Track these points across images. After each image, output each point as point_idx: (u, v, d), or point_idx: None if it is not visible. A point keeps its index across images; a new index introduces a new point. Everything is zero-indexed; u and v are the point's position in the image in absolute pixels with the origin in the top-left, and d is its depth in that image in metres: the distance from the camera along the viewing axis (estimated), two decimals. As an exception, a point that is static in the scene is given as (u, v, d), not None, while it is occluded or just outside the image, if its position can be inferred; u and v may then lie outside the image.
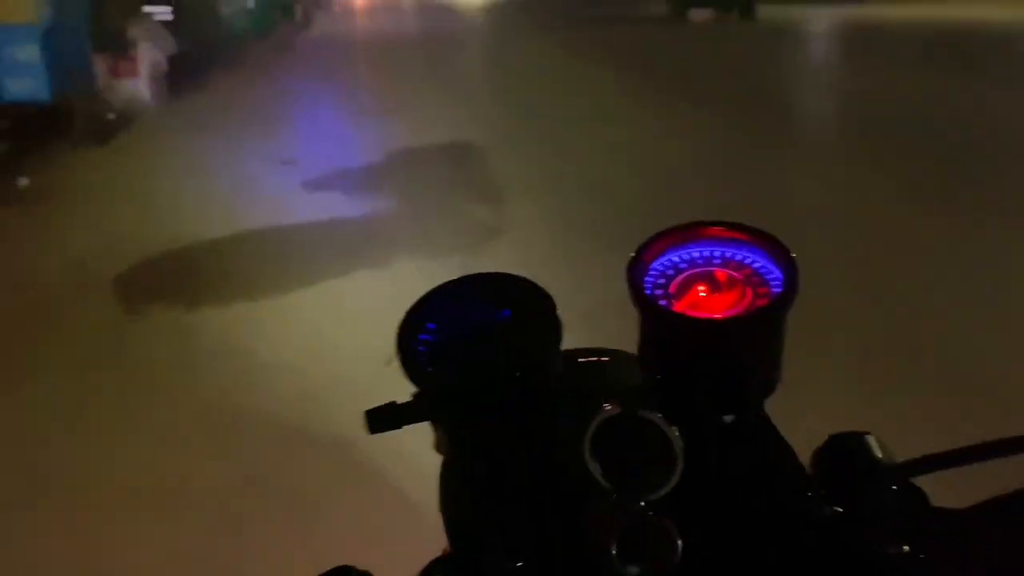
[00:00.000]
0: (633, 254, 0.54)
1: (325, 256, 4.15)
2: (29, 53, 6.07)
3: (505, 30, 19.02)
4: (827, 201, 4.82)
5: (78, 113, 6.69)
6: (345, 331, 3.29)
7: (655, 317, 0.51)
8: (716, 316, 0.50)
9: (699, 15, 17.71)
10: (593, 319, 3.03)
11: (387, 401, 0.50)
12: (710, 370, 0.49)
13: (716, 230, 0.54)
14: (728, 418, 0.49)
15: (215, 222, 4.77)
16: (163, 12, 12.63)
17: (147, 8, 11.65)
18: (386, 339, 2.12)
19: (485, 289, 0.56)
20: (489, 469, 0.52)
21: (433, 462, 0.53)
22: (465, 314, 0.55)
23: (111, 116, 7.72)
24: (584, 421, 0.48)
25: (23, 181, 5.77)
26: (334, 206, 5.00)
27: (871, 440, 0.48)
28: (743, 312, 0.49)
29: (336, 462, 2.35)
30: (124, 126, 7.71)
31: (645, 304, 0.51)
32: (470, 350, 0.53)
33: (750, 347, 0.50)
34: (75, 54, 6.96)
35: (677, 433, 0.45)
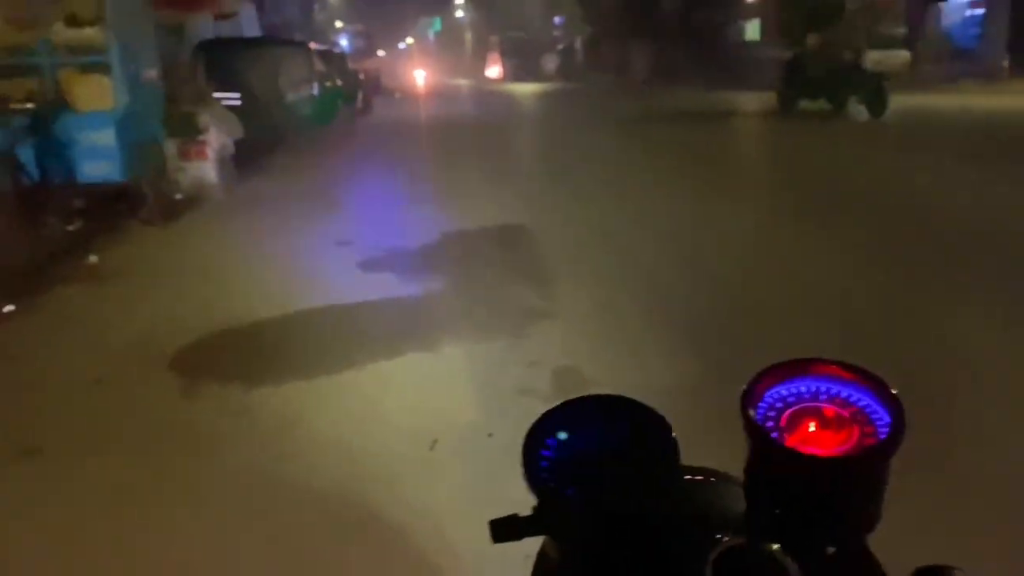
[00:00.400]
0: (746, 386, 0.56)
1: (377, 336, 4.22)
2: (105, 138, 6.45)
3: (573, 120, 19.53)
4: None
5: (148, 194, 7.02)
6: (395, 412, 3.32)
7: (767, 449, 0.53)
8: (827, 454, 0.52)
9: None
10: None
11: (506, 516, 0.54)
12: (818, 504, 0.51)
13: (827, 367, 0.57)
14: (831, 550, 0.52)
15: (274, 300, 4.90)
16: (232, 98, 13.33)
17: (217, 95, 12.30)
18: (432, 420, 2.19)
19: (605, 410, 0.60)
20: None
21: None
22: (586, 433, 0.58)
23: (179, 197, 8.10)
24: (696, 545, 0.52)
25: (93, 258, 6.04)
26: (386, 287, 5.10)
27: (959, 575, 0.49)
28: (851, 452, 0.51)
29: (381, 544, 2.34)
30: (191, 206, 8.06)
31: (759, 436, 0.53)
32: (591, 469, 0.55)
33: (857, 485, 0.52)
34: (148, 138, 7.36)
35: (796, 567, 0.49)
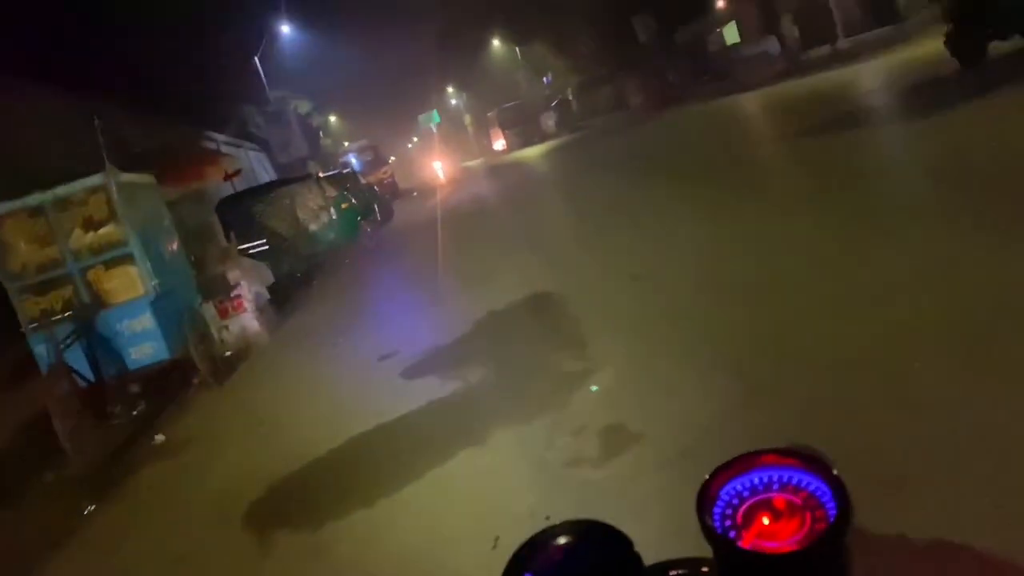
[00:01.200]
0: (699, 490, 0.60)
1: (430, 442, 4.27)
2: (144, 323, 6.78)
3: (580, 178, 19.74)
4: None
5: (197, 361, 7.30)
6: (456, 518, 3.36)
7: (728, 554, 0.56)
8: (782, 549, 0.54)
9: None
10: (691, 457, 2.99)
11: None
12: None
13: (770, 458, 0.60)
14: None
15: (329, 432, 5.01)
16: (258, 245, 13.86)
17: (242, 246, 12.81)
18: (492, 515, 2.23)
19: (571, 537, 0.64)
20: None
21: None
22: (560, 559, 0.62)
23: (227, 354, 8.40)
24: None
25: (159, 438, 6.28)
26: (431, 390, 5.18)
27: None
28: (804, 541, 0.54)
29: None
30: (240, 360, 8.35)
31: (718, 544, 0.56)
32: None
33: (818, 572, 0.54)
34: (185, 309, 7.70)
35: None
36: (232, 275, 9.28)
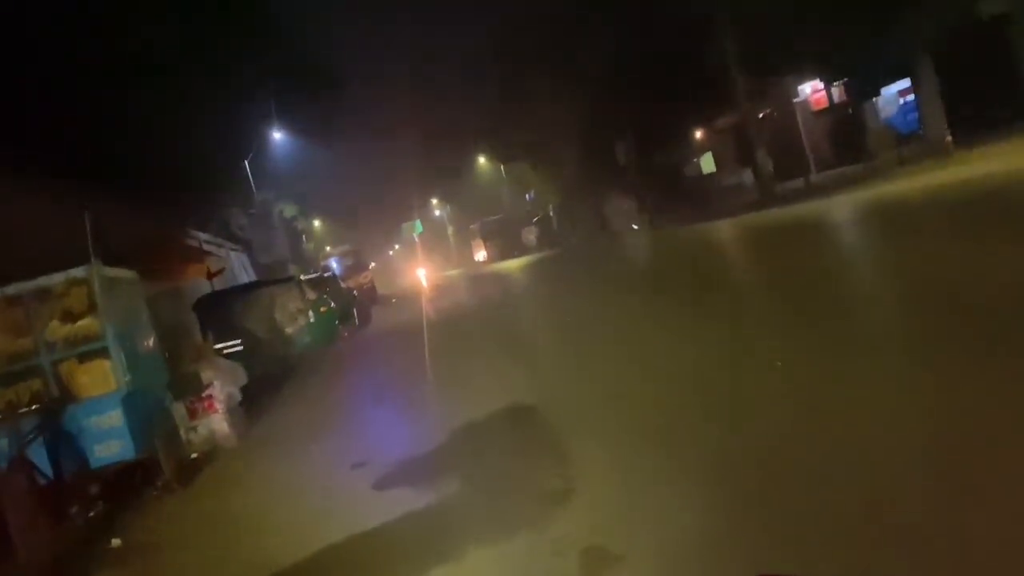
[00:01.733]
0: None
1: (401, 560, 4.14)
2: (113, 419, 6.63)
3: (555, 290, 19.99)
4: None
5: (163, 462, 7.08)
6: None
7: None
8: None
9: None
10: None
11: None
12: None
13: None
14: None
15: (297, 544, 4.83)
16: (233, 345, 13.74)
17: (218, 345, 12.69)
18: None
19: None
20: None
21: None
22: None
23: (194, 456, 8.16)
24: None
25: (116, 542, 6.01)
26: (404, 502, 5.05)
27: None
28: None
29: None
30: (207, 463, 8.11)
31: None
32: None
33: None
34: (155, 407, 7.54)
35: None
36: (206, 375, 9.14)
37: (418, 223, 76.50)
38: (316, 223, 61.43)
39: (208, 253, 17.16)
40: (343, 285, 27.71)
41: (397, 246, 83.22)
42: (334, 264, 34.02)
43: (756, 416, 4.83)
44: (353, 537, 4.72)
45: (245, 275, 28.12)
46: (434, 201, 72.20)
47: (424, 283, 32.78)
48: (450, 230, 67.53)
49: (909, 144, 21.87)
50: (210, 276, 14.58)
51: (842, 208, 16.31)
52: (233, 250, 28.15)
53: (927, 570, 2.62)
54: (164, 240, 17.81)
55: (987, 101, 19.89)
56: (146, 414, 7.13)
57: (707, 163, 34.94)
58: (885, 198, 15.25)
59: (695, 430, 4.92)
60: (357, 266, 34.21)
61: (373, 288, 32.49)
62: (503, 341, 11.45)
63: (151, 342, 8.20)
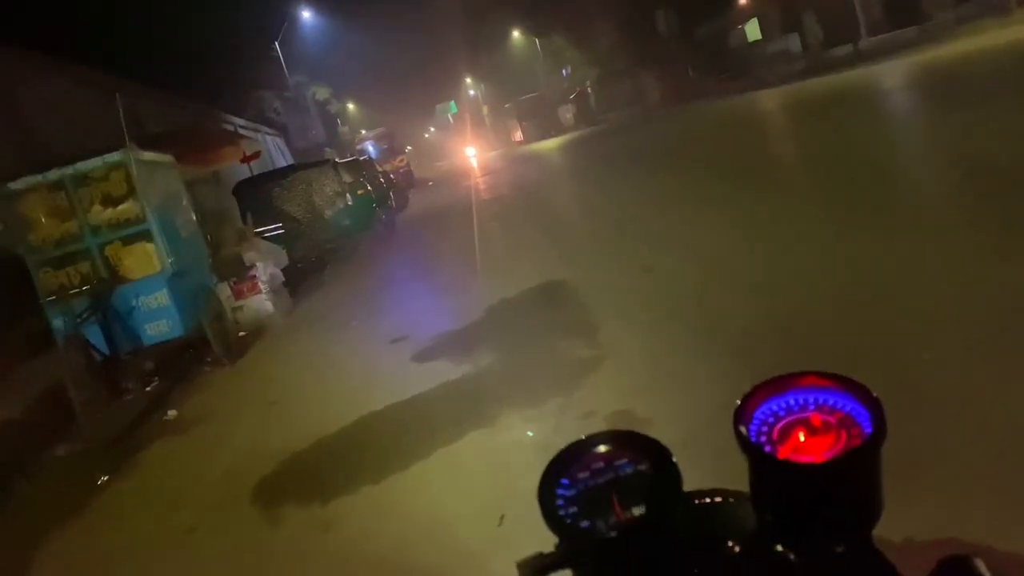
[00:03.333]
0: (737, 404, 0.61)
1: (439, 423, 4.31)
2: (160, 299, 6.85)
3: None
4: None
5: (211, 339, 7.36)
6: (463, 495, 3.40)
7: (763, 464, 0.57)
8: (816, 460, 0.55)
9: None
10: (698, 444, 3.01)
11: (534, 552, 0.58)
12: (817, 508, 0.55)
13: (809, 379, 0.61)
14: (840, 548, 0.55)
15: (341, 412, 5.05)
16: (274, 229, 13.93)
17: (259, 229, 12.88)
18: (499, 495, 2.28)
19: (610, 445, 0.65)
20: None
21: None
22: (596, 469, 0.63)
23: (241, 334, 8.46)
24: (709, 558, 0.58)
25: (172, 413, 6.35)
26: (441, 372, 5.22)
27: (980, 564, 0.52)
28: (839, 454, 0.55)
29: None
30: (254, 340, 8.42)
31: (753, 452, 0.57)
32: (604, 502, 0.60)
33: (851, 484, 0.55)
34: (200, 288, 7.76)
35: (803, 566, 0.54)
36: (248, 256, 9.34)
37: (452, 104, 75.08)
38: (350, 106, 60.78)
39: (243, 137, 17.11)
40: (379, 169, 27.69)
41: (432, 129, 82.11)
42: (370, 148, 33.81)
43: (782, 289, 4.82)
44: (393, 405, 4.92)
45: (283, 159, 28.16)
46: (468, 80, 70.56)
47: (474, 163, 32.22)
48: (485, 110, 66.23)
49: (968, 2, 20.52)
50: (245, 160, 14.59)
51: (887, 76, 15.56)
52: (269, 134, 28.11)
53: (948, 437, 2.65)
54: (199, 125, 17.84)
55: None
56: (191, 294, 7.35)
57: (752, 30, 33.30)
58: (936, 63, 14.47)
59: (722, 303, 4.93)
60: (393, 150, 33.99)
61: (410, 172, 32.37)
62: (538, 222, 11.44)
63: (193, 225, 8.36)
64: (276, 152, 28.42)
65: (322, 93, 32.55)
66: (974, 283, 3.89)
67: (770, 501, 0.58)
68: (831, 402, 0.59)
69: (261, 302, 9.06)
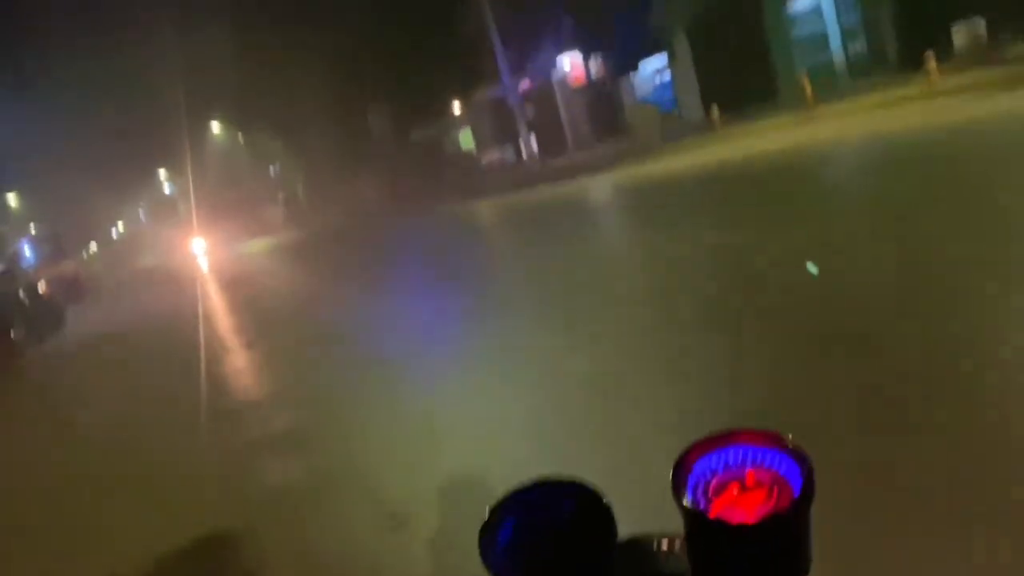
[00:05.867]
0: (676, 461, 0.62)
1: None
2: None
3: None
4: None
5: None
6: None
7: (695, 521, 0.59)
8: (747, 521, 0.56)
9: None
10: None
11: None
12: (746, 564, 0.58)
13: (747, 436, 0.62)
14: None
15: None
16: None
17: None
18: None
19: (549, 493, 0.66)
20: None
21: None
22: (534, 516, 0.65)
23: None
24: None
25: None
26: None
27: None
28: (768, 515, 0.56)
29: None
30: None
31: (687, 510, 0.59)
32: (540, 549, 0.63)
33: (779, 545, 0.58)
34: None
35: None
36: None
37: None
38: (11, 196, 51.80)
39: None
40: (34, 277, 22.29)
41: (120, 221, 73.45)
42: (25, 250, 27.85)
43: None
44: None
45: None
46: (162, 173, 64.26)
47: (203, 267, 27.14)
48: (181, 208, 60.33)
49: (671, 121, 21.57)
50: None
51: (608, 188, 15.16)
52: None
53: None
54: None
55: (742, 77, 19.93)
56: None
57: (466, 139, 33.33)
58: (656, 177, 14.24)
59: None
60: (58, 252, 28.22)
61: (77, 280, 26.83)
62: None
63: None
64: None
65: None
66: None
67: (703, 558, 0.60)
68: (767, 460, 0.60)
69: None
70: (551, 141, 26.68)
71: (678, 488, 0.59)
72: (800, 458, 0.58)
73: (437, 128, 33.48)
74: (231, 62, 35.41)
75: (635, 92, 24.15)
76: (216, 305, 14.90)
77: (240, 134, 47.85)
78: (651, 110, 21.32)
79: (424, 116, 32.92)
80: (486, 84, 28.80)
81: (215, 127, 49.38)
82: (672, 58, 22.18)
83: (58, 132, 51.44)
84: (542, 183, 20.88)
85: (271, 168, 48.91)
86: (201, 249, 36.70)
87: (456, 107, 32.04)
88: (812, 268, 5.17)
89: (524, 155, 24.72)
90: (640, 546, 0.68)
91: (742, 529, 0.55)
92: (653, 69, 24.13)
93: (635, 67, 23.93)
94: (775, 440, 0.60)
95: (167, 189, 64.28)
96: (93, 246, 60.67)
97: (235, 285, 18.19)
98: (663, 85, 23.70)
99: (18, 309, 14.74)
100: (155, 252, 51.31)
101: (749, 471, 0.59)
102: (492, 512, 0.64)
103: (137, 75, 42.71)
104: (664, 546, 0.67)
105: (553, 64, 26.91)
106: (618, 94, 24.46)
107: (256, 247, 30.43)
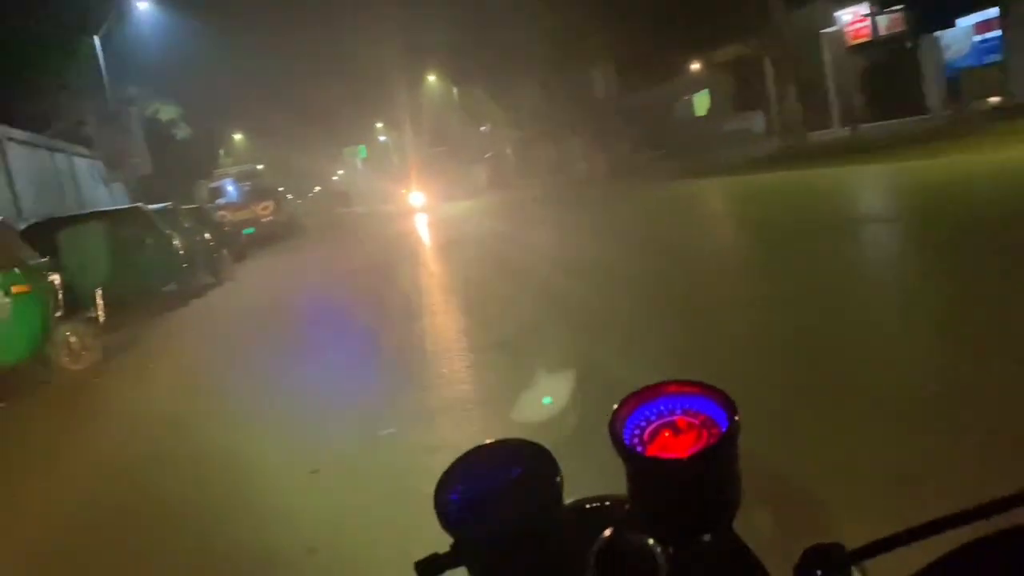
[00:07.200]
0: (611, 414, 0.65)
1: None
2: None
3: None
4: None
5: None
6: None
7: (634, 462, 0.62)
8: (680, 456, 0.60)
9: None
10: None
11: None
12: (683, 499, 0.61)
13: (674, 387, 0.66)
14: (705, 538, 0.61)
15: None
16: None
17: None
18: None
19: (501, 453, 0.69)
20: None
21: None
22: (487, 474, 0.67)
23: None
24: (584, 550, 0.64)
25: None
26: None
27: (843, 552, 0.56)
28: (700, 449, 0.60)
29: None
30: None
31: (625, 452, 0.62)
32: (493, 506, 0.65)
33: (710, 478, 0.60)
34: None
35: (660, 550, 0.60)
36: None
37: (362, 148, 69.24)
38: (237, 136, 53.55)
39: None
40: (223, 217, 21.09)
41: (341, 172, 75.51)
42: (229, 188, 27.10)
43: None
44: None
45: (103, 191, 21.34)
46: (379, 125, 64.65)
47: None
48: (395, 159, 60.29)
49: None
50: None
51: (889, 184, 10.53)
52: (83, 156, 21.19)
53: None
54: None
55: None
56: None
57: (701, 103, 28.78)
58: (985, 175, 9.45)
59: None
60: (258, 191, 27.22)
61: (273, 222, 25.67)
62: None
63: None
64: (90, 181, 21.53)
65: (167, 113, 25.48)
66: None
67: (642, 497, 0.63)
68: (695, 406, 0.64)
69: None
70: (810, 111, 21.64)
71: (616, 437, 0.62)
72: (724, 399, 0.62)
73: (667, 90, 29.14)
74: (452, 17, 33.16)
75: (942, 56, 18.51)
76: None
77: (455, 89, 45.99)
78: (992, 74, 15.86)
79: (653, 76, 28.71)
80: (731, 39, 24.13)
81: (431, 80, 47.92)
82: (1004, 13, 16.58)
83: (287, 82, 52.67)
84: (798, 163, 16.29)
85: (481, 128, 46.80)
86: (419, 202, 35.26)
87: (694, 66, 27.54)
88: None
89: (788, 123, 19.90)
90: (588, 503, 0.71)
91: (677, 462, 0.59)
92: (971, 25, 18.37)
93: (946, 23, 18.28)
94: (701, 387, 0.64)
95: (382, 139, 64.70)
96: (281, 189, 62.32)
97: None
98: (984, 48, 17.92)
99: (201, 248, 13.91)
100: (367, 201, 51.37)
101: (679, 417, 0.63)
102: (446, 473, 0.67)
103: (364, 30, 42.04)
104: (609, 503, 0.70)
105: (826, 17, 21.68)
106: (914, 58, 19.01)
107: (446, 212, 27.93)
